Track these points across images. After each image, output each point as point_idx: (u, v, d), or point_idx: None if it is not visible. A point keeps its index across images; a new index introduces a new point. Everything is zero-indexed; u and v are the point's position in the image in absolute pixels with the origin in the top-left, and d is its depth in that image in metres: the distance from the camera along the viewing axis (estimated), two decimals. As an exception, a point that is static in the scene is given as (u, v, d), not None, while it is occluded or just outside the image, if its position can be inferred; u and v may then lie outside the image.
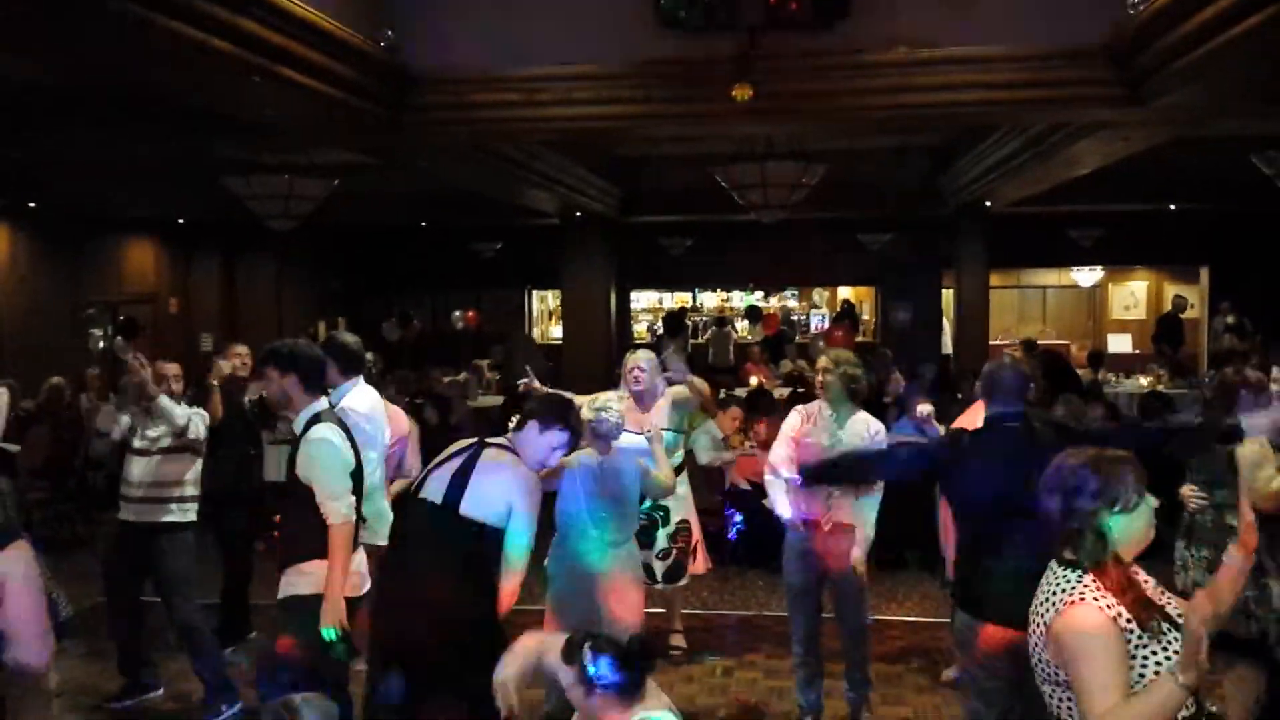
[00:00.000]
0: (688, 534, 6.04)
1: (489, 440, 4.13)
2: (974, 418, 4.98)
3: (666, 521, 5.95)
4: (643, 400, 5.96)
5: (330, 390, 4.52)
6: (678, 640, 6.39)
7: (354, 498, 4.06)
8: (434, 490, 4.00)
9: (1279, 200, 8.73)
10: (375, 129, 7.16)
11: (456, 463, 4.02)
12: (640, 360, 5.99)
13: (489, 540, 3.90)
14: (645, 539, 5.81)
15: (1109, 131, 7.78)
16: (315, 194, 9.00)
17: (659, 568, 5.96)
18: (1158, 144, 8.44)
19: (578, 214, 13.13)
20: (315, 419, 4.15)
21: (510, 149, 9.20)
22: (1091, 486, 2.55)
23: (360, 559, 4.24)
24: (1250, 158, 8.15)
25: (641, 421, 5.85)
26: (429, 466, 4.15)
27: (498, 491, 3.91)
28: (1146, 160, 9.32)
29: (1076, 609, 2.46)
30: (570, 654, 3.17)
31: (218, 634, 5.83)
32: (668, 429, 5.89)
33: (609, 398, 5.01)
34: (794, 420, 5.22)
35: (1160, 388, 11.83)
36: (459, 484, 3.94)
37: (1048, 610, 2.53)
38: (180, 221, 14.87)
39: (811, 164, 8.78)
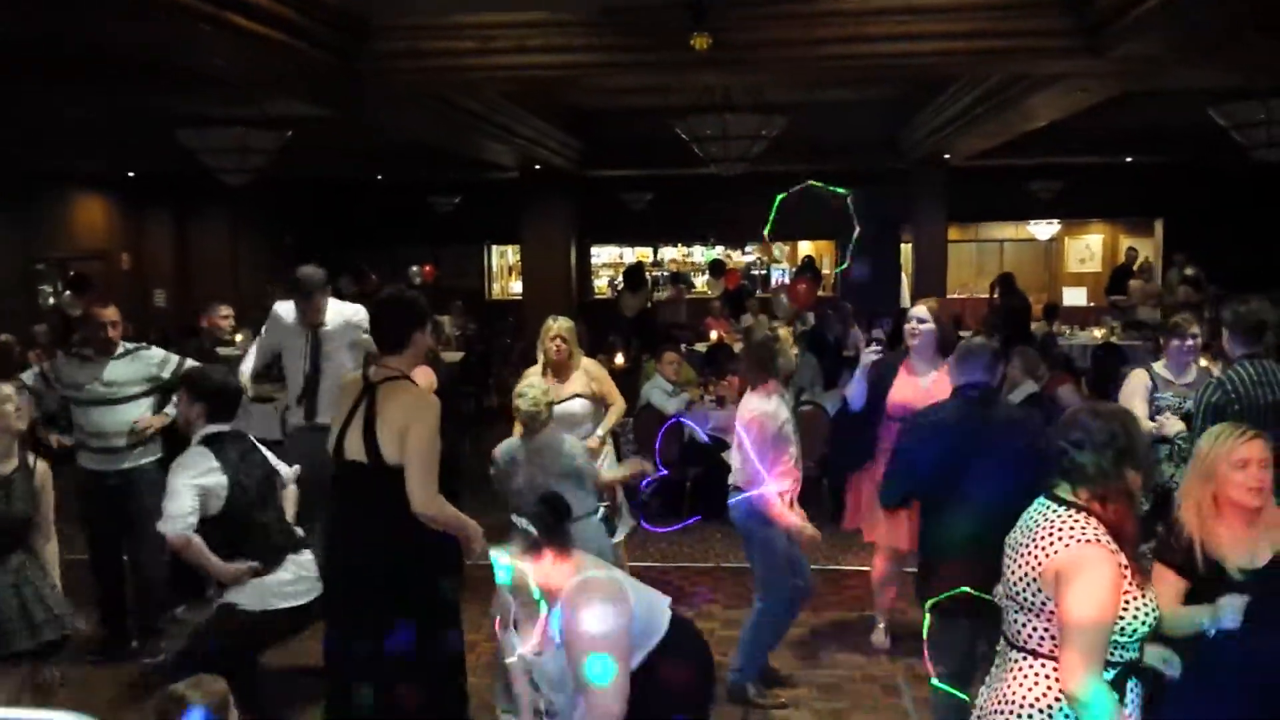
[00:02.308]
0: (612, 493, 5.84)
1: (372, 379, 3.99)
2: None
3: None
4: (559, 370, 5.90)
5: None
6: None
7: (189, 520, 4.14)
8: (355, 449, 3.92)
9: (1233, 153, 8.78)
10: (328, 78, 7.04)
11: (361, 413, 3.92)
12: (562, 330, 5.91)
13: None
14: None
15: (1066, 83, 7.80)
16: (269, 147, 8.84)
17: None
18: (1114, 96, 8.47)
19: (537, 167, 13.02)
20: (204, 441, 4.32)
21: (467, 100, 9.08)
22: (1120, 444, 2.69)
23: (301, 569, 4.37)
24: (1206, 110, 8.19)
25: (556, 390, 5.75)
26: (343, 420, 4.01)
27: (399, 422, 3.84)
28: (1103, 113, 9.37)
29: (1089, 548, 2.60)
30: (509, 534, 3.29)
31: (172, 589, 5.81)
32: (580, 395, 5.88)
33: (528, 382, 5.00)
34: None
35: (1114, 339, 11.98)
36: (372, 435, 3.86)
37: (1052, 545, 2.64)
38: (131, 176, 14.59)
39: (771, 116, 8.74)
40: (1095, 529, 2.63)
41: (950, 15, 6.71)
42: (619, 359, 10.57)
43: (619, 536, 6.05)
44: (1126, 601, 2.63)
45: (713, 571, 7.00)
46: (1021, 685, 2.72)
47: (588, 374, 5.98)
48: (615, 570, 3.50)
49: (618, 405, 6.12)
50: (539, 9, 6.90)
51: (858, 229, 5.71)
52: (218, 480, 4.20)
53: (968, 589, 3.37)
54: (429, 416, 3.86)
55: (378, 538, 3.91)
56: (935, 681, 4.09)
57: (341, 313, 5.84)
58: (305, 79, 7.07)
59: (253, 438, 4.57)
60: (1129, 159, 14.75)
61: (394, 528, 3.86)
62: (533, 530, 3.27)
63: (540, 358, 6.02)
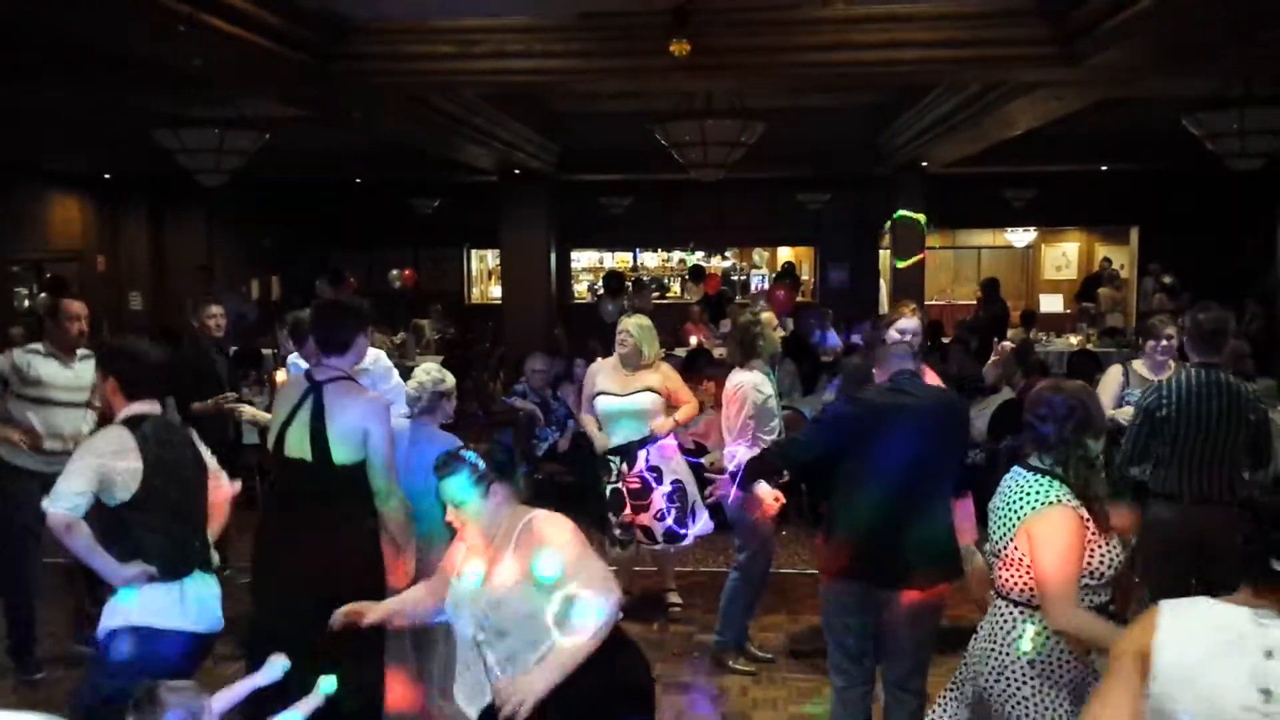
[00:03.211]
0: (684, 494, 6.04)
1: (316, 377, 4.02)
2: None
3: (660, 481, 5.97)
4: (629, 363, 6.01)
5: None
6: (673, 598, 6.50)
7: (77, 501, 3.48)
8: (297, 447, 3.93)
9: (1207, 162, 8.86)
10: (306, 80, 7.02)
11: (306, 411, 3.95)
12: (629, 326, 6.02)
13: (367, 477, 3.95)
14: (641, 502, 5.95)
15: (1042, 91, 7.85)
16: (246, 148, 8.80)
17: (658, 528, 6.00)
18: (1090, 104, 8.54)
19: (516, 171, 13.00)
20: (123, 423, 3.66)
21: (445, 102, 9.06)
22: (1079, 416, 3.09)
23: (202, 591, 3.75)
24: (1180, 119, 8.26)
25: (626, 383, 5.97)
26: (284, 418, 4.02)
27: (355, 425, 3.90)
28: (1079, 121, 9.44)
29: (1056, 510, 3.01)
30: (451, 465, 3.18)
31: None
32: (650, 389, 5.95)
33: (424, 368, 4.88)
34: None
35: (1089, 346, 12.08)
36: (321, 435, 3.90)
37: (1023, 507, 3.06)
38: (107, 177, 14.49)
39: (751, 122, 8.76)
40: (1059, 490, 3.03)
41: (931, 23, 6.74)
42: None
43: (691, 537, 6.15)
44: (1092, 550, 3.02)
45: (690, 575, 6.99)
46: (1000, 628, 3.14)
47: (662, 374, 6.05)
48: None
49: (690, 404, 6.16)
50: (519, 14, 6.89)
51: None
52: (129, 466, 3.56)
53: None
54: (386, 416, 3.98)
55: (322, 534, 3.91)
56: (834, 681, 4.24)
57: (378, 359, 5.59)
58: (283, 81, 7.04)
59: (194, 433, 3.95)
60: (1105, 167, 14.86)
61: (339, 524, 3.90)
62: (482, 464, 3.19)
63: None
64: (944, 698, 3.42)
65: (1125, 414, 5.25)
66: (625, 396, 5.93)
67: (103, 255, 15.10)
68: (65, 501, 3.49)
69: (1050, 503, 3.02)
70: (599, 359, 6.52)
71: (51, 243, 14.21)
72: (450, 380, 4.83)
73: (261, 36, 6.15)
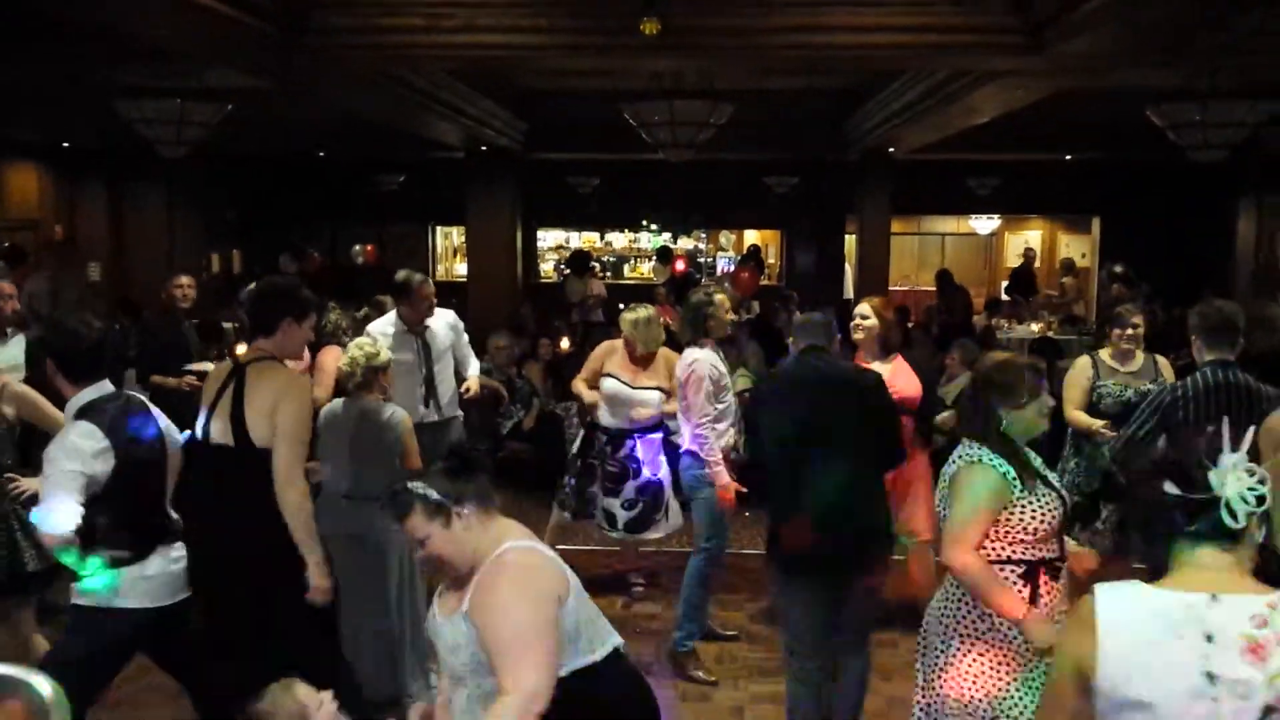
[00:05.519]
0: (657, 493, 6.07)
1: (242, 357, 3.96)
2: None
3: (638, 474, 6.01)
4: (637, 359, 6.03)
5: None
6: (636, 578, 6.59)
7: (76, 517, 3.39)
8: (220, 431, 3.83)
9: (1170, 153, 8.95)
10: (273, 52, 6.91)
11: (228, 395, 3.84)
12: (624, 325, 6.05)
13: None
14: (613, 486, 6.00)
15: (1008, 80, 7.89)
16: (207, 119, 8.65)
17: (621, 516, 6.04)
18: (1055, 94, 8.59)
19: (483, 148, 12.91)
20: (82, 413, 3.58)
21: (413, 77, 8.98)
22: (991, 384, 3.34)
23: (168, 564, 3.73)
24: (1144, 111, 8.32)
25: (636, 375, 6.02)
26: (211, 403, 3.90)
27: (268, 399, 3.79)
28: (1044, 111, 9.49)
29: (975, 465, 3.24)
30: (400, 503, 2.81)
31: None
32: (660, 388, 5.99)
33: (357, 342, 4.86)
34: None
35: (1051, 334, 12.21)
36: (240, 417, 3.79)
37: (953, 465, 3.32)
38: (66, 146, 14.23)
39: (720, 103, 8.74)
40: (984, 451, 3.25)
41: (902, 8, 6.76)
42: (564, 343, 10.56)
43: (658, 533, 6.20)
44: (1023, 506, 3.18)
45: (653, 556, 7.00)
46: (950, 583, 3.32)
47: (668, 367, 6.02)
48: (549, 550, 2.99)
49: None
50: (489, -12, 6.84)
51: None
52: (107, 464, 3.50)
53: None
54: (299, 394, 3.86)
55: (242, 523, 3.79)
56: (790, 662, 4.28)
57: (444, 317, 6.23)
58: (249, 52, 6.94)
59: (145, 400, 3.88)
60: (1068, 157, 14.98)
61: (260, 511, 3.75)
62: (433, 494, 2.76)
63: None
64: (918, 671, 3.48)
65: (1083, 421, 5.39)
66: (635, 390, 5.98)
67: (60, 225, 14.85)
68: (67, 522, 3.36)
69: (973, 460, 3.25)
70: (608, 341, 6.50)
71: (7, 211, 13.95)
72: (385, 354, 4.75)
73: (227, 6, 6.05)
